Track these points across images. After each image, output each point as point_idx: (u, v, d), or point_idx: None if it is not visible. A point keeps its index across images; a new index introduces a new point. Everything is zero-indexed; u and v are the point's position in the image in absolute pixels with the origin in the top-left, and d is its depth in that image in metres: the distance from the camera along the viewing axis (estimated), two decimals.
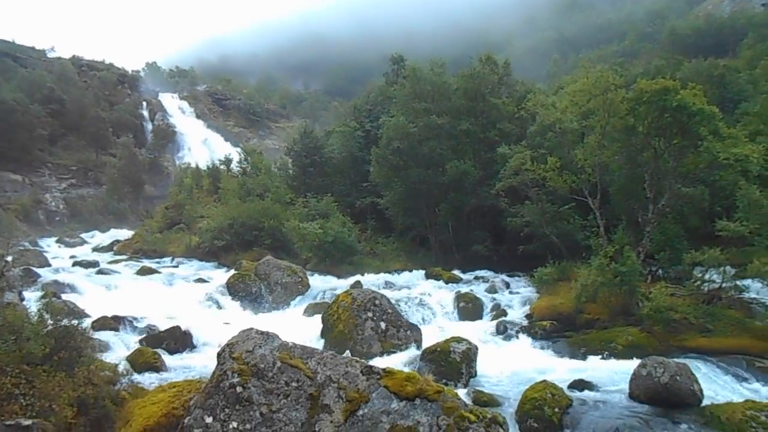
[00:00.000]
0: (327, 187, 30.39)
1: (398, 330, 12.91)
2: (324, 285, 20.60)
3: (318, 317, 14.46)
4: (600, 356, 12.49)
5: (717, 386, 10.25)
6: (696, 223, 18.86)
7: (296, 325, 14.56)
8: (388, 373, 7.49)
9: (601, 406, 8.79)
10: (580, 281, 15.38)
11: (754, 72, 32.24)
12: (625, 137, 17.74)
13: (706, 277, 15.57)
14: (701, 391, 8.67)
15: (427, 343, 12.19)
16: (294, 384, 7.40)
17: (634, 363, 9.63)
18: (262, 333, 8.08)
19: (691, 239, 17.49)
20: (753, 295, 15.22)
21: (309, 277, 20.79)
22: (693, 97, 15.87)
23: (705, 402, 8.68)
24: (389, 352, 12.18)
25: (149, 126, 71.12)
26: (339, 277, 22.12)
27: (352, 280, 20.83)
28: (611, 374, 10.60)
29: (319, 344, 12.52)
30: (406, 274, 22.48)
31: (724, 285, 14.91)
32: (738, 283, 15.02)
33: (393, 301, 14.14)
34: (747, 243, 15.59)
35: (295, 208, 28.60)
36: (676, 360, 9.46)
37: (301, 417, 7.13)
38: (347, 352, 11.72)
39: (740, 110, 25.61)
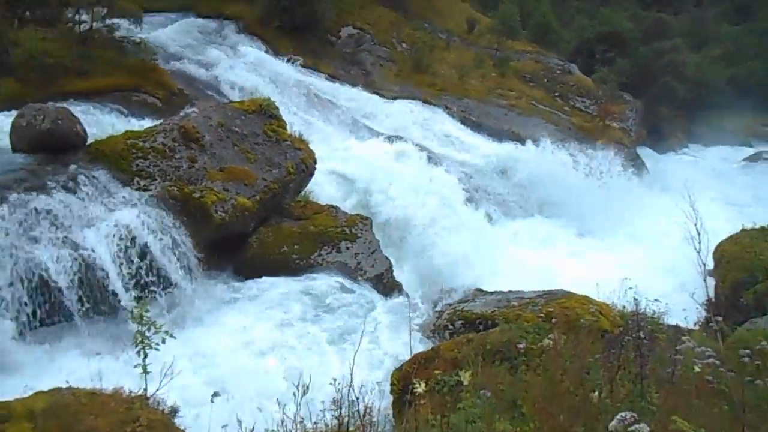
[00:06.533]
0: None
1: None
2: None
3: None
4: None
5: (100, 125, 10.74)
6: None
7: None
8: None
9: None
10: None
11: None
12: None
13: (77, 18, 15.12)
14: (84, 131, 8.90)
15: None
16: None
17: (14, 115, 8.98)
18: None
19: None
20: (123, 34, 15.78)
21: None
22: None
23: (90, 141, 9.00)
24: None
25: None
26: None
27: None
28: None
29: None
30: None
31: (95, 25, 14.86)
32: (108, 22, 15.19)
33: None
34: None
35: None
36: (56, 105, 9.26)
37: None
38: None
39: None
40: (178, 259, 8.01)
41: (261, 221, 9.52)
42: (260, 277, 8.85)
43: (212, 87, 14.52)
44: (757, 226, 11.17)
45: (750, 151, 34.42)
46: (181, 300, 7.98)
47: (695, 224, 4.00)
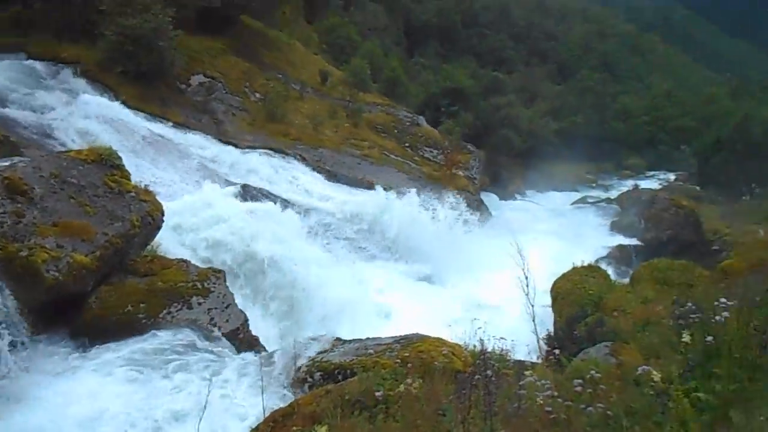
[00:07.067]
0: None
1: None
2: None
3: None
4: None
5: None
6: None
7: None
8: None
9: None
10: None
11: None
12: None
13: None
14: None
15: None
16: None
17: None
18: None
19: None
20: None
21: None
22: None
23: None
24: None
25: None
26: None
27: None
28: None
29: None
30: None
31: None
32: None
33: None
34: None
35: None
36: None
37: None
38: None
39: None
40: (0, 327, 7.09)
41: (102, 279, 8.78)
42: (101, 341, 8.09)
43: (45, 135, 13.34)
44: (586, 264, 12.39)
45: (577, 196, 38.39)
46: (4, 374, 7.04)
47: (523, 269, 4.35)
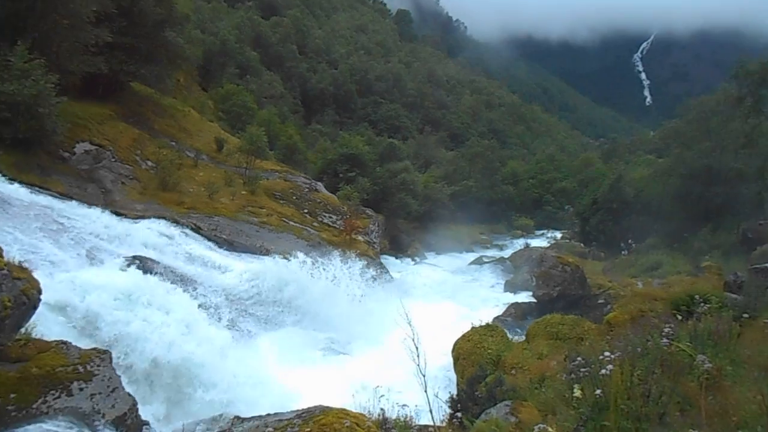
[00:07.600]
0: None
1: None
2: None
3: None
4: None
5: None
6: None
7: None
8: None
9: None
10: None
11: None
12: None
13: None
14: None
15: None
16: None
17: None
18: None
19: None
20: None
21: None
22: None
23: None
24: None
25: None
26: None
27: None
28: None
29: None
30: None
31: None
32: None
33: None
34: None
35: None
36: None
37: None
38: None
39: None
40: None
41: None
42: None
43: None
44: (484, 323, 12.68)
45: (474, 256, 39.77)
46: None
47: (413, 339, 4.39)
